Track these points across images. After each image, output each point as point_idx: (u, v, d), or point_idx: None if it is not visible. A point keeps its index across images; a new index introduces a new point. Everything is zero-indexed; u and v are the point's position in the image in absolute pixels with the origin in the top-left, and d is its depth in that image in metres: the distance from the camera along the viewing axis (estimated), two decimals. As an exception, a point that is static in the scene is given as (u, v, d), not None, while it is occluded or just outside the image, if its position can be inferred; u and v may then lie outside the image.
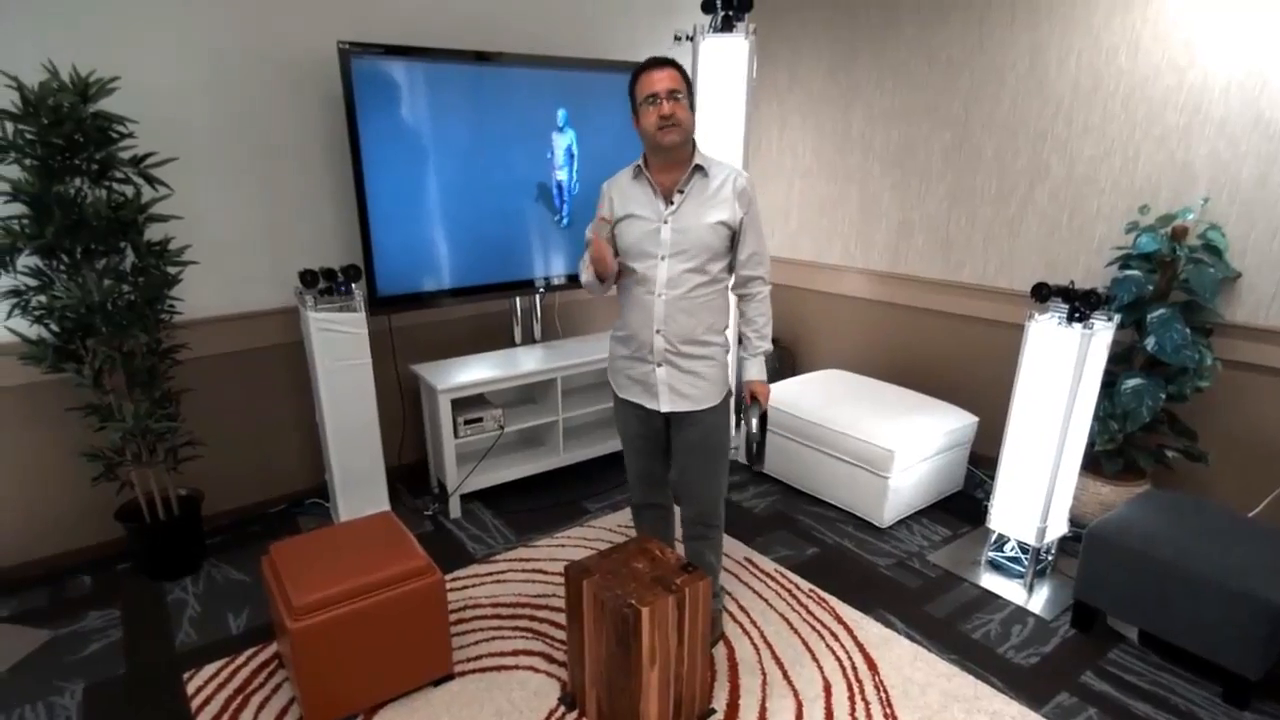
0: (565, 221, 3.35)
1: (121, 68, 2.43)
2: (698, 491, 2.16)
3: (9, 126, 2.15)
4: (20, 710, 2.06)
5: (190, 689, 2.12)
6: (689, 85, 1.94)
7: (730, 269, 2.07)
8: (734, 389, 2.44)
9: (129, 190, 2.37)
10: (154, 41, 2.53)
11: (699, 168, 1.97)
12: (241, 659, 2.24)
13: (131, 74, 2.46)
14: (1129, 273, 2.66)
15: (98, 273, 2.32)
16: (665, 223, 1.96)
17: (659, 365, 2.04)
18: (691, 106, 1.94)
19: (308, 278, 2.61)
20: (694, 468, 2.13)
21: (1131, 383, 2.65)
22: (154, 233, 2.46)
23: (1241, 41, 2.49)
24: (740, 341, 2.16)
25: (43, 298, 2.28)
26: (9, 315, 2.31)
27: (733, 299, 2.13)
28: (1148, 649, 2.31)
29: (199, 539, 2.76)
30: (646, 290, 2.00)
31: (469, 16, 3.16)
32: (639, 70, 1.93)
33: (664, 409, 2.07)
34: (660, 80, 1.89)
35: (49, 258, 2.27)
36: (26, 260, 2.26)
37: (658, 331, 2.01)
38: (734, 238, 2.01)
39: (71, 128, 2.17)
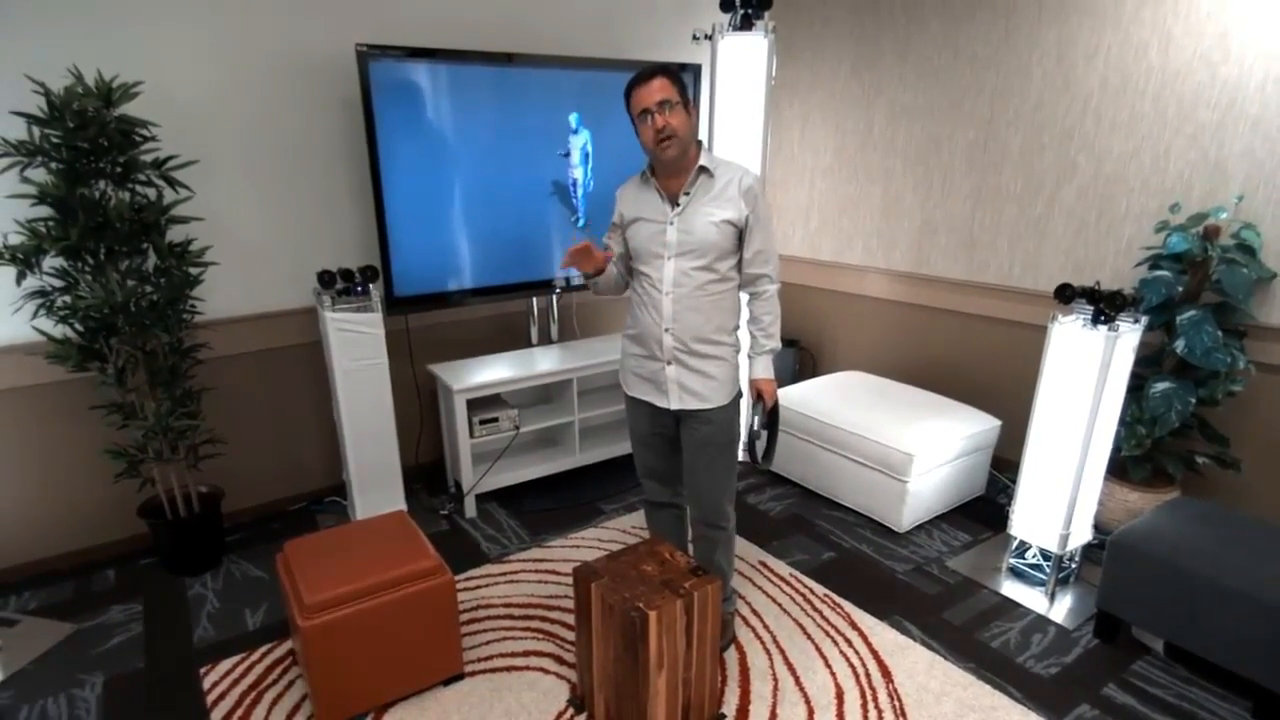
0: (582, 221, 3.34)
1: (144, 72, 2.47)
2: (705, 490, 2.15)
3: (35, 131, 2.20)
4: (42, 702, 2.10)
5: (206, 684, 2.15)
6: (683, 88, 1.91)
7: (740, 268, 2.05)
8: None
9: (151, 193, 2.41)
10: (176, 46, 2.57)
11: (704, 169, 1.96)
12: (257, 655, 2.27)
13: (154, 78, 2.50)
14: (1158, 273, 2.58)
15: (121, 273, 2.36)
16: (671, 223, 1.96)
17: (668, 363, 2.04)
18: (688, 107, 1.92)
19: (325, 278, 2.63)
20: (702, 466, 2.12)
21: (1160, 386, 2.58)
22: (175, 234, 2.49)
23: (1278, 35, 2.40)
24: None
25: (67, 298, 2.33)
26: (35, 315, 2.36)
27: (744, 298, 2.12)
28: (1174, 662, 2.24)
29: (219, 536, 2.81)
30: (654, 289, 2.01)
31: (486, 18, 3.16)
32: (629, 85, 1.92)
33: (673, 407, 2.07)
34: (650, 93, 1.87)
35: (73, 259, 2.31)
36: (52, 261, 2.31)
37: (666, 330, 2.01)
38: (741, 236, 2.00)
39: (96, 131, 2.21)
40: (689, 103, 1.93)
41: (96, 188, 2.29)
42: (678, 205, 1.97)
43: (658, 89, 1.87)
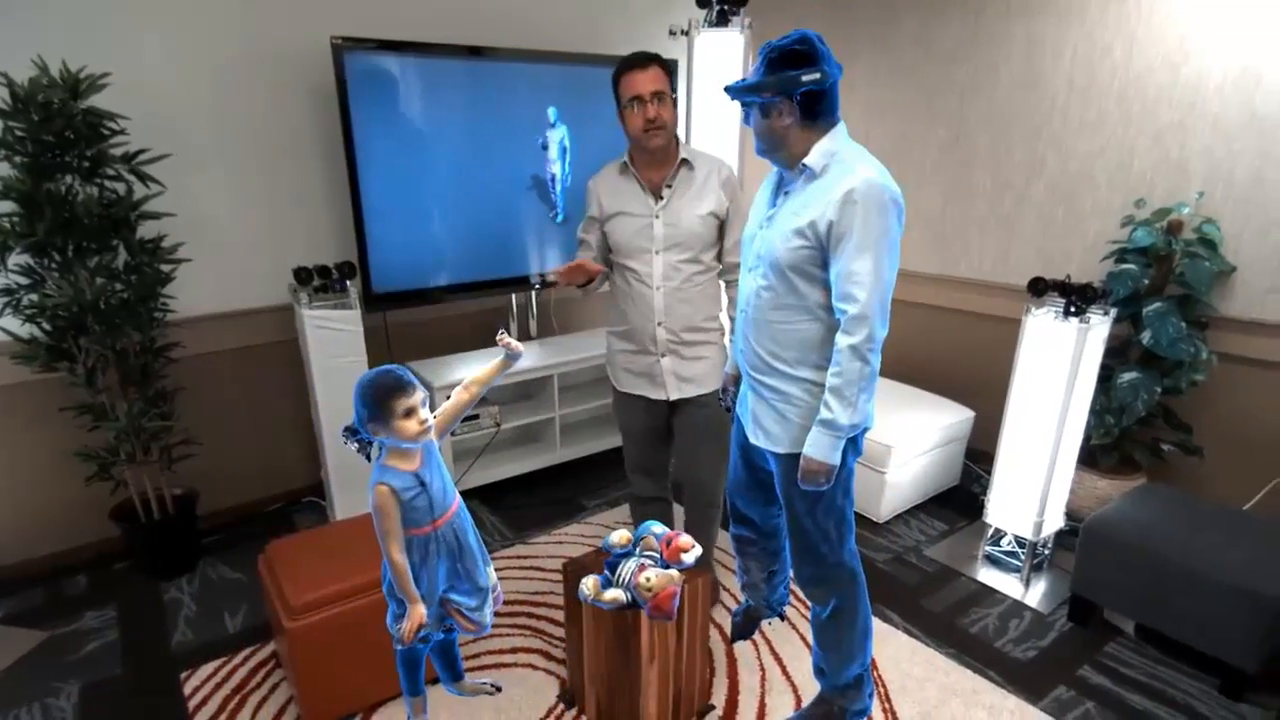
0: (560, 216, 3.33)
1: (113, 64, 2.39)
2: (700, 473, 2.18)
3: (-1, 123, 2.13)
4: (16, 712, 2.04)
5: (187, 689, 2.11)
6: (671, 80, 1.95)
7: (720, 258, 2.08)
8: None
9: (120, 188, 2.35)
10: (146, 37, 2.51)
11: (685, 161, 1.98)
12: (238, 659, 2.23)
13: (123, 70, 2.42)
14: (1125, 267, 2.66)
15: (90, 271, 2.29)
16: (657, 218, 1.98)
17: (663, 356, 2.05)
18: (674, 102, 1.95)
19: (302, 275, 2.59)
20: (697, 450, 2.15)
21: (1127, 376, 2.66)
22: (146, 230, 2.43)
23: (1236, 39, 2.49)
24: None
25: (34, 296, 2.26)
26: (0, 314, 2.28)
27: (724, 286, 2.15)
28: (1145, 642, 2.32)
29: (195, 538, 2.75)
30: (644, 285, 2.02)
31: (462, 11, 3.14)
32: (621, 68, 1.94)
33: (672, 397, 2.09)
34: (643, 82, 1.90)
35: (40, 256, 2.25)
36: (18, 258, 2.24)
37: (659, 324, 2.02)
38: (722, 227, 2.03)
39: (62, 124, 2.15)
40: (675, 97, 1.96)
41: (63, 182, 2.23)
42: (661, 198, 1.99)
43: (652, 78, 1.90)
